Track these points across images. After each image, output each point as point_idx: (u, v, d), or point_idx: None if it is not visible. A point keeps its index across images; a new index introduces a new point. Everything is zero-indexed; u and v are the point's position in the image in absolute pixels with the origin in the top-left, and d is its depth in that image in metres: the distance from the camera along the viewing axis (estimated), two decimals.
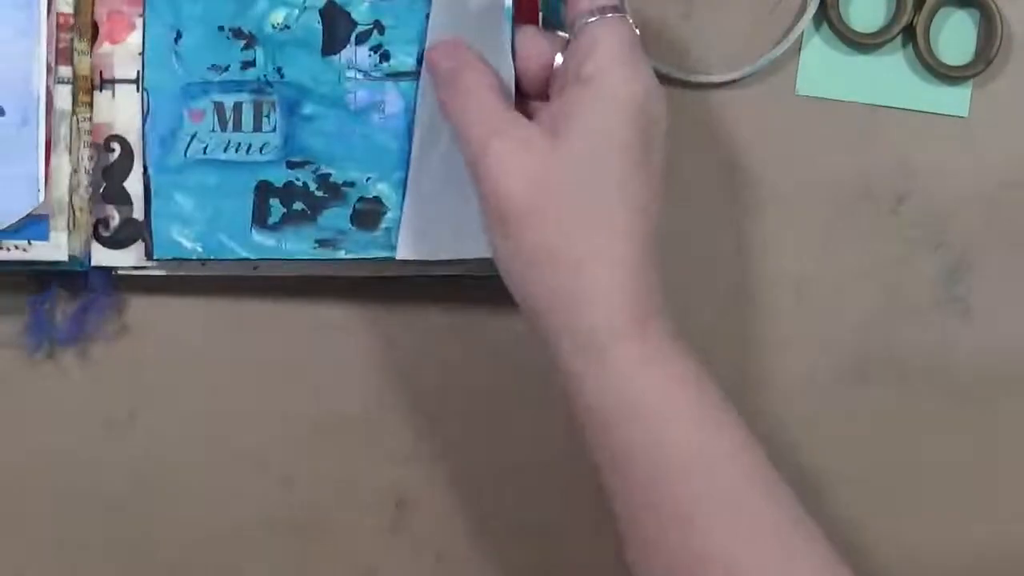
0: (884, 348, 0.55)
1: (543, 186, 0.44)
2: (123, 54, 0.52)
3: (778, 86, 0.56)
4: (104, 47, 0.52)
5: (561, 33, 0.49)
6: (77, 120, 0.52)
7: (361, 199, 0.52)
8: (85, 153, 0.52)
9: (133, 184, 0.52)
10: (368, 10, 0.52)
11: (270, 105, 0.52)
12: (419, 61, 0.52)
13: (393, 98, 0.52)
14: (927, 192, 0.56)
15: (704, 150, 0.56)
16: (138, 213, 0.52)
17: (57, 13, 0.51)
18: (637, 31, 0.47)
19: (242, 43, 0.52)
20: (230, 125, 0.52)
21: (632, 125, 0.45)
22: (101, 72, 0.53)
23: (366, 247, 0.52)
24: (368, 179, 0.52)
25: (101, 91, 0.52)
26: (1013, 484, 0.56)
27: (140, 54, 0.52)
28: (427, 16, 0.52)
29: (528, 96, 0.49)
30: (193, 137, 0.52)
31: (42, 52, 0.50)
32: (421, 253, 0.52)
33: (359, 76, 0.52)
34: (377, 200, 0.52)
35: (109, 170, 0.53)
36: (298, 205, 0.52)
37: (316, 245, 0.52)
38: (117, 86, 0.53)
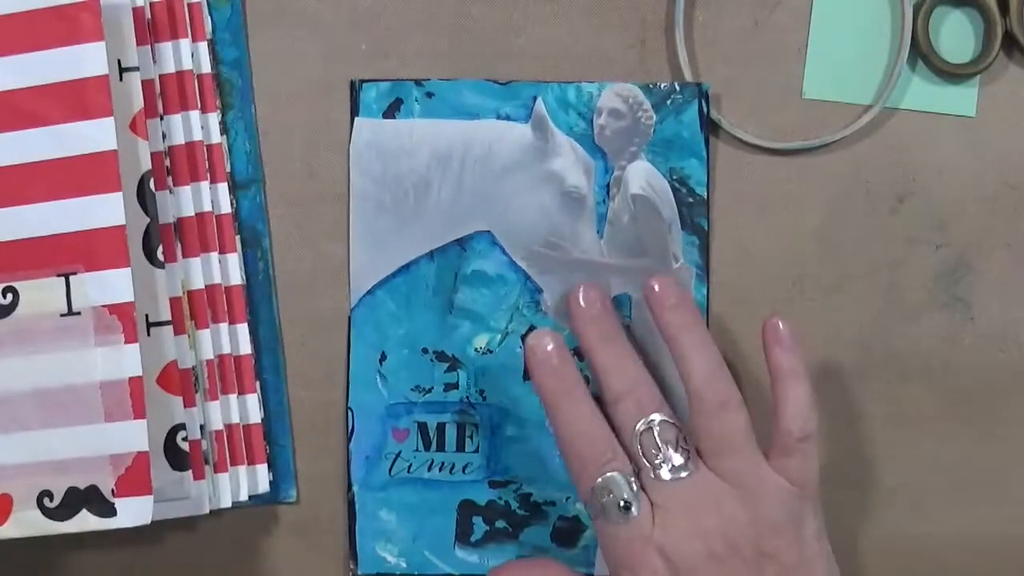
0: (884, 348, 0.55)
1: None
2: None
3: (784, 88, 0.55)
4: None
5: None
6: None
7: (561, 517, 0.54)
8: None
9: None
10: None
11: (473, 427, 0.53)
12: None
13: None
14: (928, 192, 0.56)
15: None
16: None
17: None
18: None
19: (445, 366, 0.53)
20: (433, 445, 0.53)
21: None
22: None
23: (566, 563, 0.53)
24: (567, 499, 0.54)
25: None
26: (1014, 483, 0.56)
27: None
28: None
29: None
30: (397, 456, 0.53)
31: None
32: None
33: None
34: (576, 519, 0.54)
35: None
36: (500, 523, 0.54)
37: None
38: None
